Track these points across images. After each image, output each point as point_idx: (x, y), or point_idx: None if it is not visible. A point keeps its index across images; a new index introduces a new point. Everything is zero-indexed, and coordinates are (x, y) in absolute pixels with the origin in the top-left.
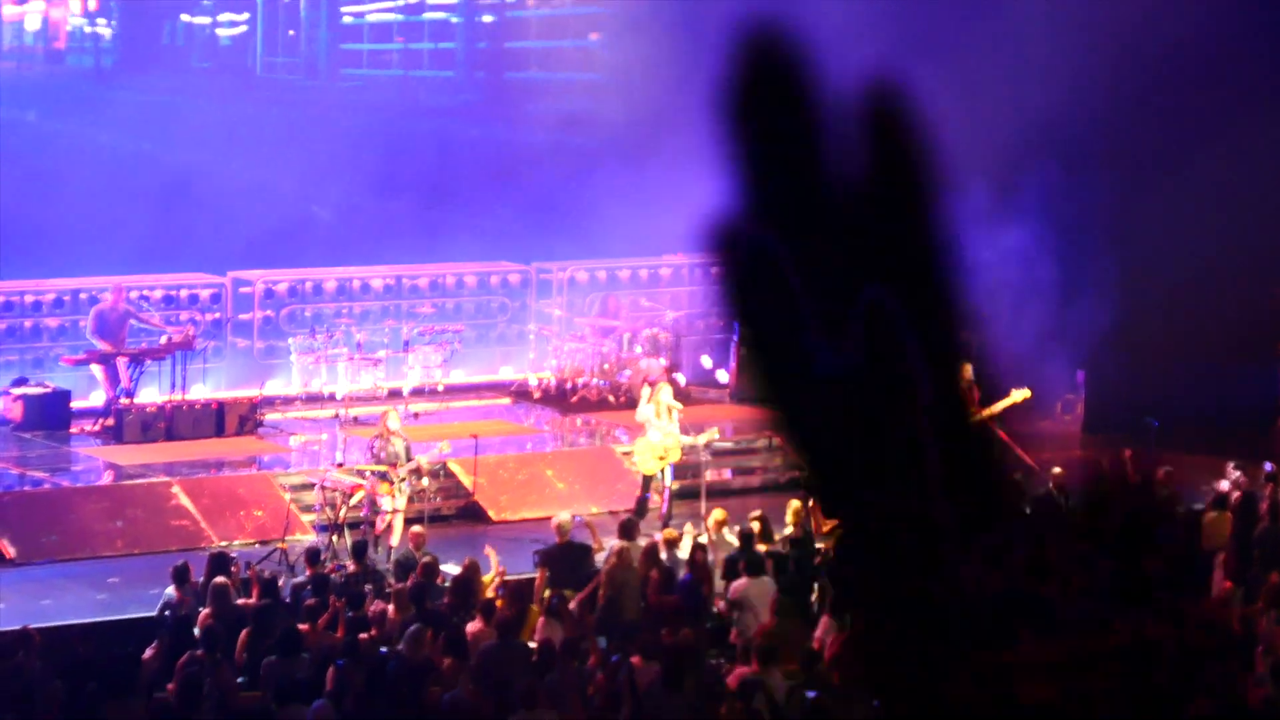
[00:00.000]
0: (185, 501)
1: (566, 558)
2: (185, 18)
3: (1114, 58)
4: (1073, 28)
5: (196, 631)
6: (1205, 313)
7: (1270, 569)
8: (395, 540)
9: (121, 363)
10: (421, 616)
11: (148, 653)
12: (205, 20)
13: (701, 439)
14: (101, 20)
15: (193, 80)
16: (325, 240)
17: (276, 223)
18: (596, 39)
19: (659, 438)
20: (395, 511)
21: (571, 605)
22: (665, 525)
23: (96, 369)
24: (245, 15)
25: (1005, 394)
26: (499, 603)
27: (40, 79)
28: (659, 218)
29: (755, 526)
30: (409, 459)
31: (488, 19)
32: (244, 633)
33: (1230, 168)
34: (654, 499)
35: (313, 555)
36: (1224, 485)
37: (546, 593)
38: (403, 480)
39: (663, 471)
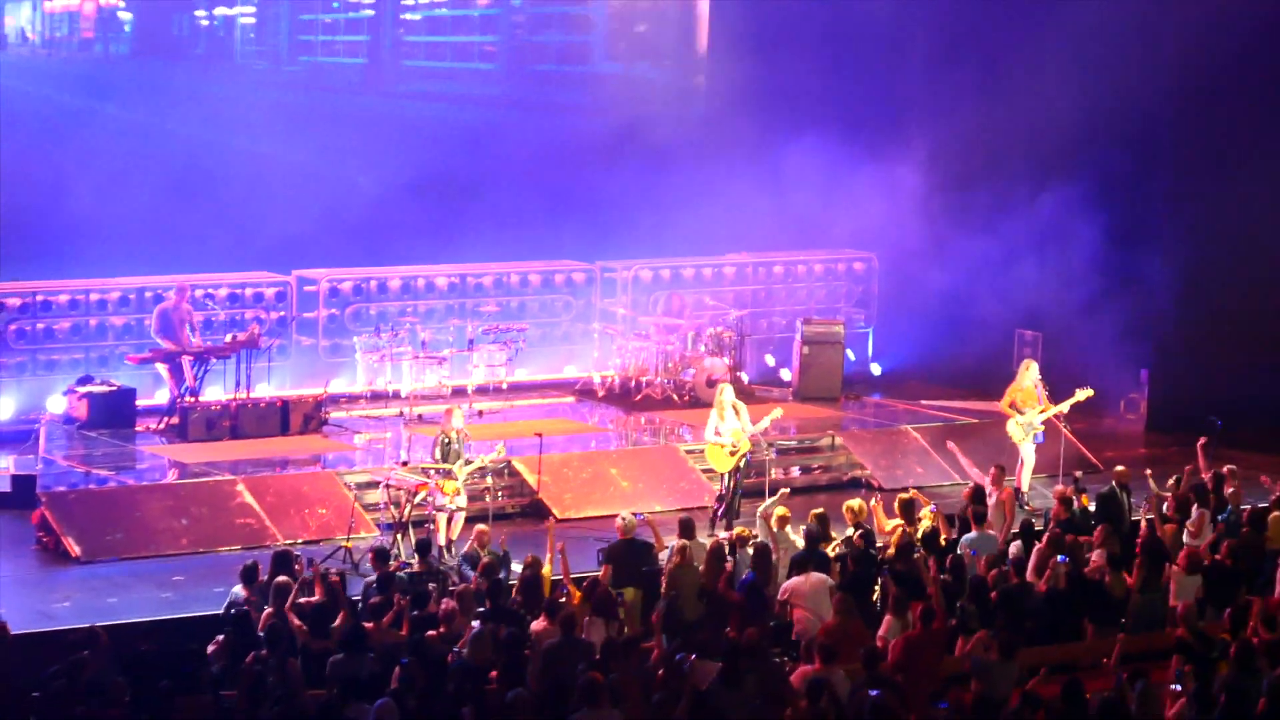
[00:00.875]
0: (250, 500)
1: (629, 556)
2: (199, 13)
3: (1179, 53)
4: (1137, 25)
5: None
6: (1272, 306)
7: None
8: (455, 537)
9: (186, 361)
10: (495, 614)
11: (211, 647)
12: (220, 12)
13: (765, 421)
14: (124, 13)
15: (200, 68)
16: (378, 234)
17: (321, 216)
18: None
19: (727, 435)
20: (458, 510)
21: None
22: (730, 523)
23: (162, 367)
24: (237, 9)
25: (1070, 393)
26: (571, 599)
27: (71, 65)
28: (723, 217)
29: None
30: (470, 458)
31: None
32: (306, 630)
33: None
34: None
35: (381, 555)
36: None
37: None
38: (465, 479)
39: (739, 466)
